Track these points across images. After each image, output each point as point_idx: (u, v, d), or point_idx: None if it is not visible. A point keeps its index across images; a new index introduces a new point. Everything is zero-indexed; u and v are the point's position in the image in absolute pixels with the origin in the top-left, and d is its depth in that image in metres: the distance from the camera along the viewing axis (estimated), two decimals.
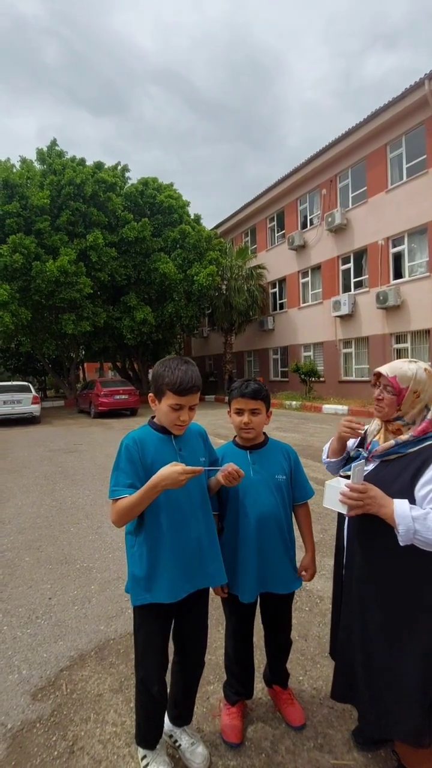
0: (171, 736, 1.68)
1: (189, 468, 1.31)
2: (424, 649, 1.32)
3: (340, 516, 1.55)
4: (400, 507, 1.25)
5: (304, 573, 1.75)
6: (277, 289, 20.22)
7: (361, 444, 1.57)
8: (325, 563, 3.23)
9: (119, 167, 19.19)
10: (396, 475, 1.35)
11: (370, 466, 1.44)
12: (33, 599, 2.91)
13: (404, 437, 1.37)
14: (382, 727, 1.39)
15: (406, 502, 1.26)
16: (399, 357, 13.86)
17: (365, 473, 1.41)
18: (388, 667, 1.36)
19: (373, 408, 1.47)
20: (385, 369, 1.42)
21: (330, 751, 1.64)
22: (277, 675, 1.87)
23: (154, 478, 1.33)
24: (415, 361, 1.42)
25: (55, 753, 1.67)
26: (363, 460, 1.44)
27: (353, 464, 1.36)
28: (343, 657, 1.52)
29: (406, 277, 13.63)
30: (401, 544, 1.25)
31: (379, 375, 1.44)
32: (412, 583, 1.34)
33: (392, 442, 1.39)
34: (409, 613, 1.34)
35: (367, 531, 1.42)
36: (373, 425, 1.55)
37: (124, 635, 2.42)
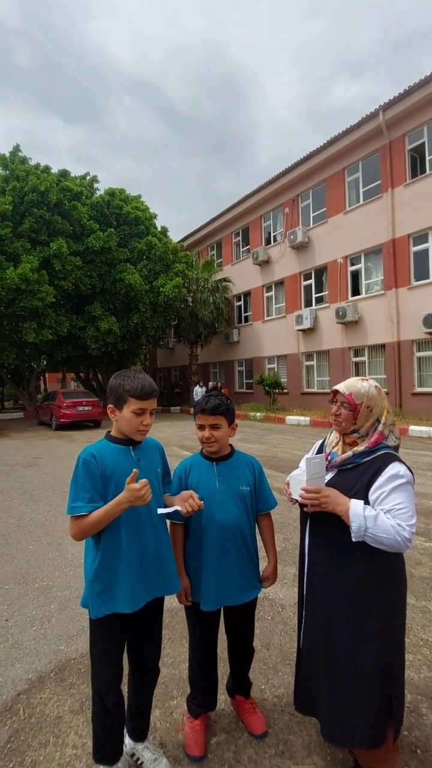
0: (133, 755, 1.66)
1: (146, 489, 1.37)
2: (378, 653, 1.40)
3: (302, 524, 1.63)
4: (355, 506, 1.38)
5: (265, 581, 1.80)
6: (242, 302, 20.59)
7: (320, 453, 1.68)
8: (287, 572, 3.30)
9: (88, 178, 19.00)
10: (353, 482, 1.47)
11: (329, 475, 1.54)
12: None
13: (360, 448, 1.50)
14: (343, 736, 1.45)
15: (361, 502, 1.39)
16: (357, 370, 14.48)
17: (325, 481, 1.51)
18: (351, 674, 1.43)
19: (332, 422, 1.59)
20: (341, 387, 1.55)
21: (291, 756, 1.68)
22: (240, 685, 1.89)
23: (119, 497, 1.37)
24: (367, 379, 1.57)
25: None
26: (318, 455, 1.56)
27: (307, 456, 1.49)
28: (308, 666, 1.57)
29: (363, 294, 14.30)
30: (353, 539, 1.38)
31: (336, 392, 1.56)
32: (365, 588, 1.43)
33: (350, 453, 1.52)
34: (364, 617, 1.42)
35: (324, 537, 1.52)
36: (331, 437, 1.67)
37: (85, 654, 2.36)
